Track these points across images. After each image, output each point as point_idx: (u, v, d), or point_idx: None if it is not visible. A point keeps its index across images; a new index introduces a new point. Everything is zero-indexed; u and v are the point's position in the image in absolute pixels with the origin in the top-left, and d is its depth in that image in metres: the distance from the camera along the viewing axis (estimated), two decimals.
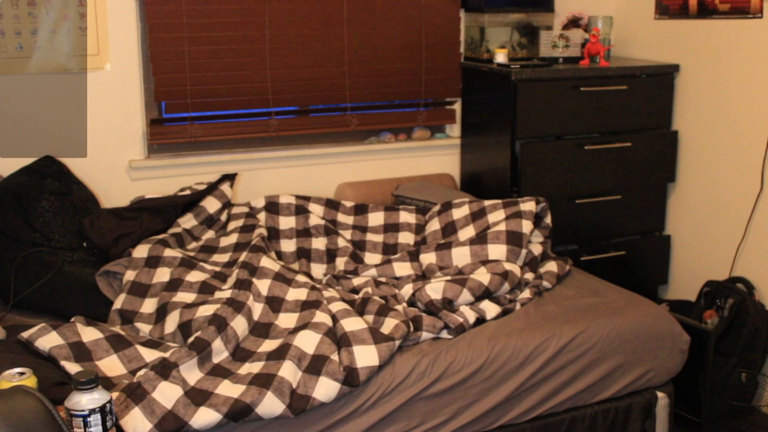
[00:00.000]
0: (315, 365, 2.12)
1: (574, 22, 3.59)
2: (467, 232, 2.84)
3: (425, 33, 3.47)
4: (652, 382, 2.52)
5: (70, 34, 2.91)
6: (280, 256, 2.88)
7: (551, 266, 2.79)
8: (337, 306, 2.37)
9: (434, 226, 2.96)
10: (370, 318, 2.38)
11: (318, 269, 2.88)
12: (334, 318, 2.31)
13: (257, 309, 2.39)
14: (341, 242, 2.94)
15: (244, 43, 3.19)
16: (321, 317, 2.30)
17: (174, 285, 2.49)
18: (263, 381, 2.04)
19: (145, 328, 2.38)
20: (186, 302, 2.41)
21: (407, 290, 2.57)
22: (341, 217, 3.10)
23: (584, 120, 3.29)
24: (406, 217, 3.09)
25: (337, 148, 3.44)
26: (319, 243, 2.95)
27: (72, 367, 2.06)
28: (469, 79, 3.51)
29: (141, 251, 2.61)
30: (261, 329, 2.34)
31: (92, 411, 1.36)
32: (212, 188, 3.03)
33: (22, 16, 2.84)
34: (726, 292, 3.06)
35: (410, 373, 2.21)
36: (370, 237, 3.04)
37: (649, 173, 3.45)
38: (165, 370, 2.03)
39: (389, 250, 2.99)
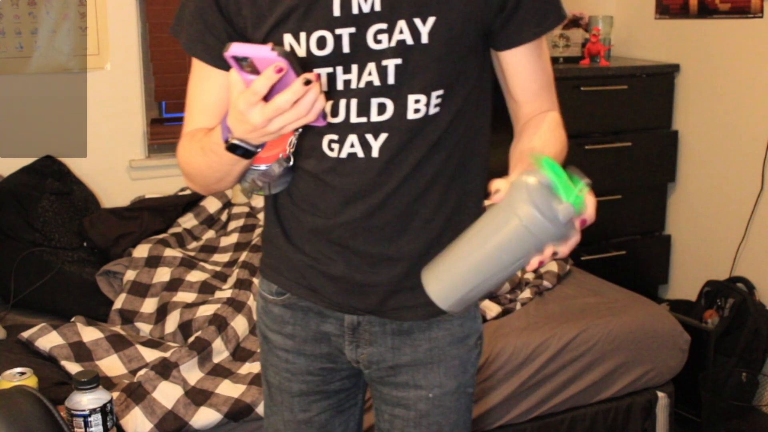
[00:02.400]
0: None
1: (574, 22, 3.58)
2: None
3: None
4: (652, 381, 2.52)
5: (71, 34, 2.91)
6: None
7: (551, 266, 2.79)
8: None
9: None
10: None
11: None
12: None
13: None
14: None
15: None
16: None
17: (174, 285, 2.49)
18: None
19: (145, 328, 2.38)
20: (186, 302, 2.41)
21: None
22: None
23: (584, 120, 3.29)
24: None
25: None
26: None
27: (72, 367, 2.06)
28: None
29: (141, 251, 2.61)
30: None
31: (93, 411, 1.36)
32: None
33: (23, 16, 2.84)
34: (726, 292, 3.06)
35: None
36: None
37: (649, 173, 3.45)
38: (165, 369, 2.03)
39: None
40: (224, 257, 2.76)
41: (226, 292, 2.43)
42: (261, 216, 2.98)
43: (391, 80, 1.13)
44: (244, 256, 2.62)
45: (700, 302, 3.18)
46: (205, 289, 2.49)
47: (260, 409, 1.98)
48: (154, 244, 2.64)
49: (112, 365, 2.13)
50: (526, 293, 2.61)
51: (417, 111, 1.15)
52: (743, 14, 3.09)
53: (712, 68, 3.28)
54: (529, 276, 2.72)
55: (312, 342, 1.32)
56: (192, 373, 2.09)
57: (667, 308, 3.14)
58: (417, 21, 1.11)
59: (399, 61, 1.12)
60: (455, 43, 1.13)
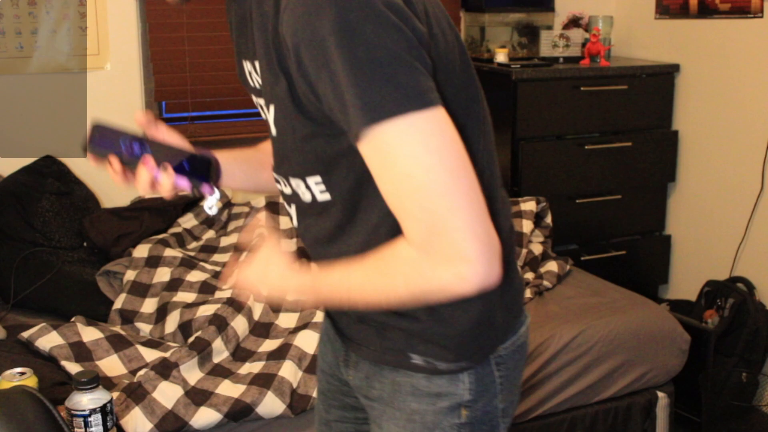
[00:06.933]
0: (315, 365, 2.12)
1: (574, 22, 3.59)
2: None
3: None
4: (652, 382, 2.52)
5: (71, 34, 2.91)
6: None
7: (551, 266, 2.79)
8: None
9: None
10: None
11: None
12: None
13: (257, 309, 2.39)
14: None
15: None
16: (322, 317, 2.29)
17: (174, 285, 2.49)
18: (264, 381, 2.04)
19: (145, 328, 2.38)
20: (186, 302, 2.41)
21: None
22: None
23: (584, 120, 3.29)
24: None
25: None
26: None
27: (72, 367, 2.06)
28: None
29: (141, 251, 2.61)
30: (261, 329, 2.34)
31: (93, 411, 1.36)
32: None
33: (23, 16, 2.84)
34: (726, 292, 3.06)
35: None
36: None
37: (649, 173, 3.45)
38: (165, 370, 2.03)
39: None
40: (224, 257, 2.76)
41: (226, 292, 2.43)
42: (261, 216, 2.98)
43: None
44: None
45: (700, 302, 3.18)
46: (205, 289, 2.49)
47: (260, 409, 1.98)
48: (154, 244, 2.64)
49: (112, 365, 2.13)
50: (526, 293, 2.61)
51: (303, 194, 1.10)
52: (743, 14, 3.09)
53: (712, 68, 3.28)
54: (529, 276, 2.72)
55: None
56: (192, 373, 2.09)
57: (667, 308, 3.14)
58: (269, 109, 1.06)
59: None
60: (296, 131, 1.02)
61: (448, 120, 0.92)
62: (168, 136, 1.18)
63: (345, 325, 1.22)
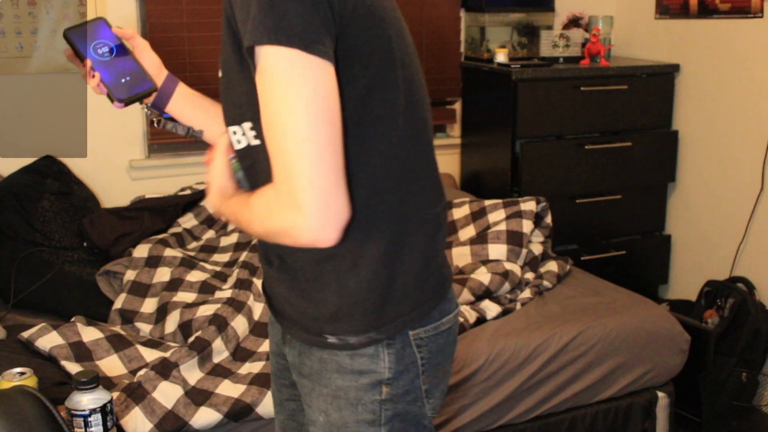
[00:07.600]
0: None
1: (574, 22, 3.59)
2: (467, 232, 2.84)
3: (425, 32, 3.47)
4: (652, 382, 2.52)
5: None
6: None
7: (552, 266, 2.79)
8: None
9: None
10: None
11: None
12: None
13: (258, 309, 2.39)
14: None
15: None
16: None
17: (174, 285, 2.49)
18: (264, 381, 2.04)
19: (145, 328, 2.38)
20: (186, 302, 2.41)
21: None
22: None
23: (584, 120, 3.29)
24: None
25: None
26: None
27: (72, 367, 2.06)
28: (470, 79, 3.51)
29: (141, 251, 2.61)
30: (261, 329, 2.34)
31: (93, 411, 1.36)
32: None
33: (23, 16, 2.84)
34: (726, 292, 3.06)
35: None
36: None
37: (649, 173, 3.45)
38: (165, 369, 2.03)
39: None
40: (224, 257, 2.76)
41: (226, 292, 2.43)
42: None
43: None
44: (244, 256, 2.62)
45: (700, 302, 3.18)
46: (205, 289, 2.49)
47: (260, 409, 1.98)
48: (154, 244, 2.64)
49: (112, 365, 2.13)
50: (526, 293, 2.61)
51: (239, 142, 1.16)
52: (743, 14, 3.09)
53: (712, 68, 3.28)
54: (529, 276, 2.72)
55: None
56: (192, 373, 2.09)
57: (667, 308, 3.14)
58: (221, 53, 1.16)
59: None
60: (233, 73, 1.11)
61: (331, 78, 1.00)
62: (143, 51, 1.38)
63: (278, 305, 1.26)
